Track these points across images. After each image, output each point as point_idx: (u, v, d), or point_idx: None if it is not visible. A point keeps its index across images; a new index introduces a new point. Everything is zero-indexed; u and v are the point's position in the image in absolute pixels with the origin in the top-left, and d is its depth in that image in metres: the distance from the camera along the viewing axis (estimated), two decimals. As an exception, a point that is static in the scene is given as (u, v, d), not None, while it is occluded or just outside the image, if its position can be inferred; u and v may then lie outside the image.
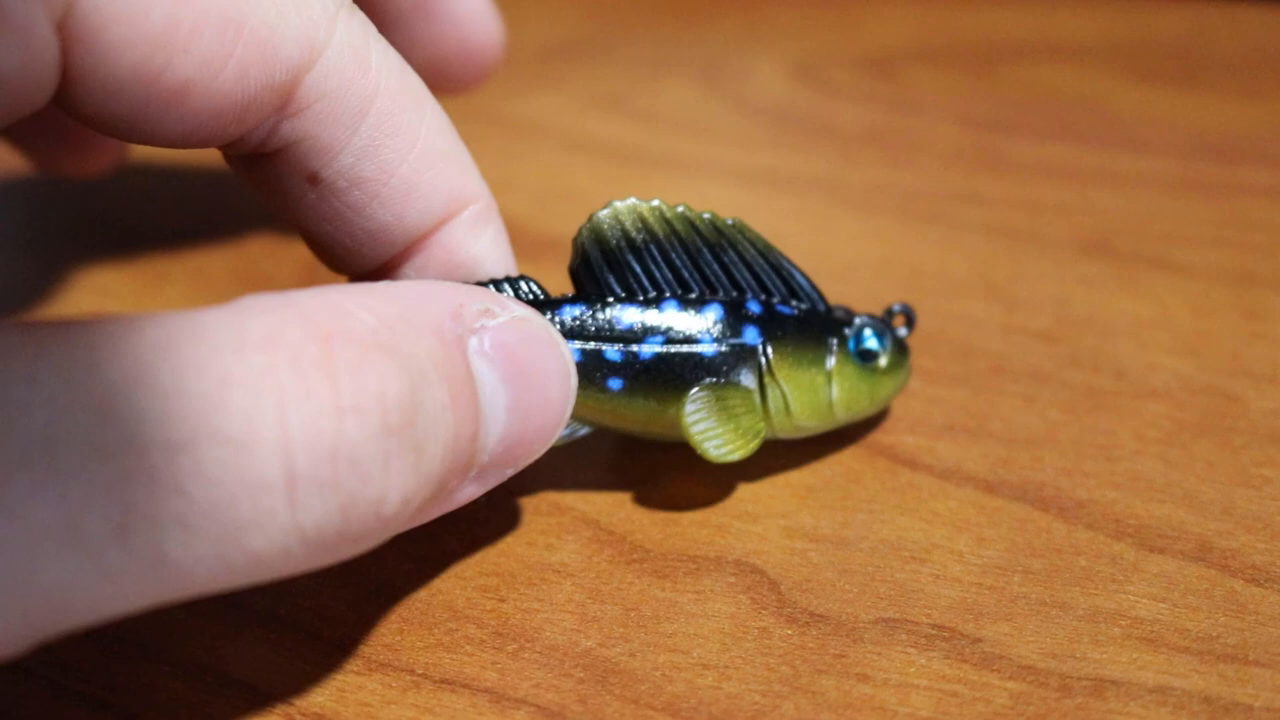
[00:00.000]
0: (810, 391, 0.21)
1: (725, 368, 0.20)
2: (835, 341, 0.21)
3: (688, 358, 0.20)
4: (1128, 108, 0.36)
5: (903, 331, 0.22)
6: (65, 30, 0.15)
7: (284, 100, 0.17)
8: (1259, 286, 0.26)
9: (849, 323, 0.21)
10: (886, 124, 0.36)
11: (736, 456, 0.20)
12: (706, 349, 0.20)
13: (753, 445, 0.20)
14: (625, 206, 0.20)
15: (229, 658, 0.18)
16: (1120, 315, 0.26)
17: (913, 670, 0.18)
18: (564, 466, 0.22)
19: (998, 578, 0.19)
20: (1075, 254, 0.28)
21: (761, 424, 0.20)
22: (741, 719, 0.17)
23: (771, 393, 0.20)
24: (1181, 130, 0.34)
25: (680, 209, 0.21)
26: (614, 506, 0.21)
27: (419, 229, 0.19)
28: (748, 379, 0.20)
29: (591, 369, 0.20)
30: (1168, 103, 0.36)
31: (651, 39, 0.44)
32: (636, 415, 0.20)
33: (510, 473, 0.17)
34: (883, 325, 0.22)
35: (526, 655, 0.18)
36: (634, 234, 0.20)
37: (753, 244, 0.21)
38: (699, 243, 0.21)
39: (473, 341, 0.16)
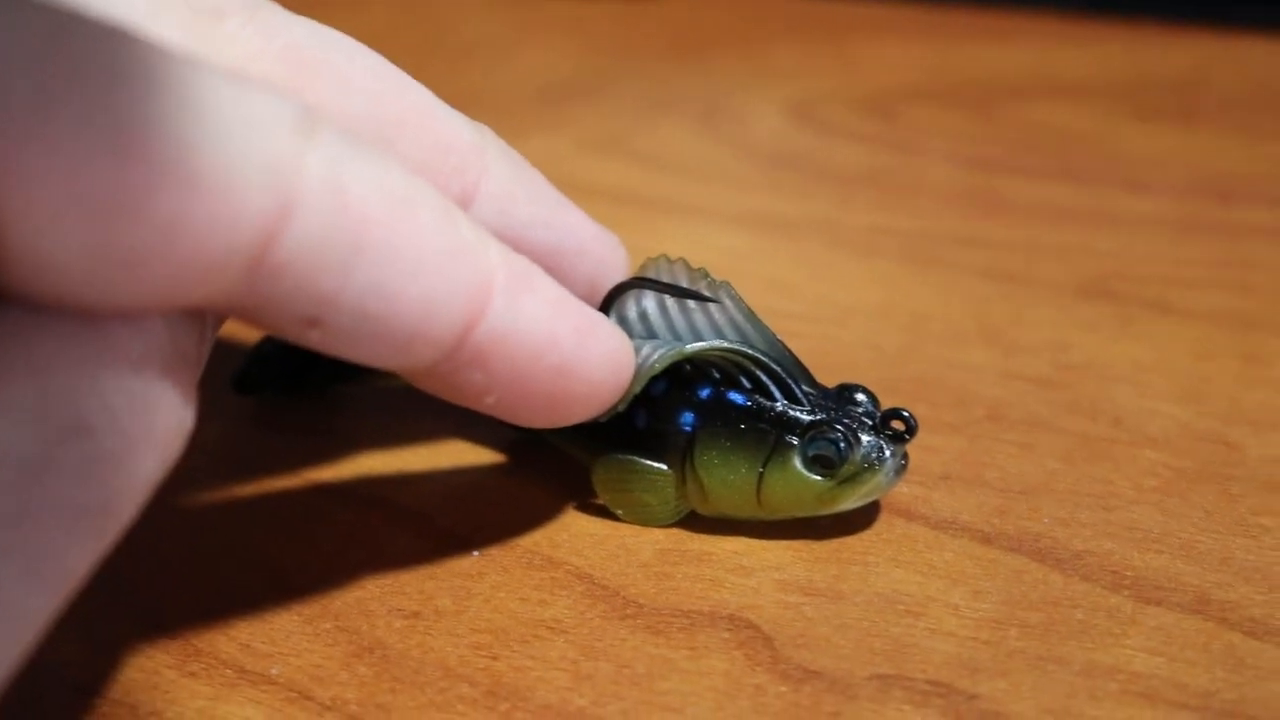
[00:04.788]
0: (730, 488, 0.20)
1: (651, 444, 0.21)
2: (785, 439, 0.20)
3: (618, 422, 0.20)
4: (1126, 146, 0.36)
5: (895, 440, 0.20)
6: None
7: (255, 262, 0.14)
8: (1258, 330, 0.26)
9: (819, 425, 0.20)
10: (885, 164, 0.36)
11: (646, 525, 0.21)
12: (639, 420, 0.21)
13: (658, 523, 0.21)
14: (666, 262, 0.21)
15: (221, 718, 0.18)
16: (1118, 360, 0.25)
17: (907, 729, 0.17)
18: (556, 520, 0.22)
19: (994, 631, 0.19)
20: (1074, 297, 0.28)
21: (668, 509, 0.21)
22: (734, 780, 0.17)
23: (690, 481, 0.21)
24: (1181, 169, 0.34)
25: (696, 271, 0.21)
26: (607, 560, 0.21)
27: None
28: (669, 461, 0.21)
29: None
30: (1167, 141, 0.36)
31: (650, 79, 0.44)
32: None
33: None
34: (859, 432, 0.20)
35: (519, 715, 0.18)
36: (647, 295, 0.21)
37: (733, 319, 0.20)
38: (692, 312, 0.21)
39: None
